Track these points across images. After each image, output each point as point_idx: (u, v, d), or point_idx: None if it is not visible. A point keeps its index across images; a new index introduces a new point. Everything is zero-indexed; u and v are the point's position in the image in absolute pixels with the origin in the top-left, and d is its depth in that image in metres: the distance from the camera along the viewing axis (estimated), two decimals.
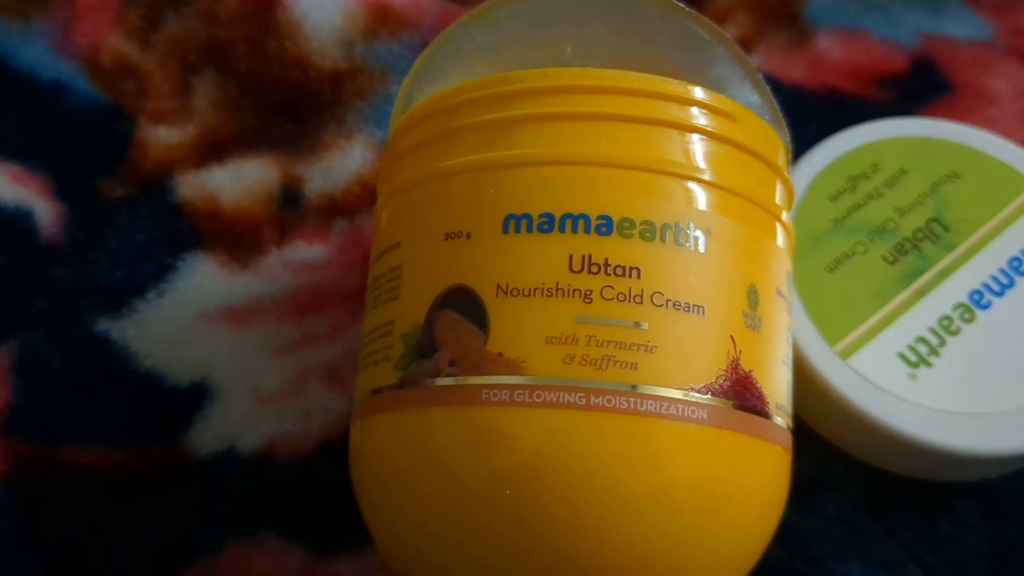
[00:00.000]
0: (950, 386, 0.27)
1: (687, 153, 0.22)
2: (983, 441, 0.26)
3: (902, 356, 0.27)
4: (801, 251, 0.29)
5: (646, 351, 0.20)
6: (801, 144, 0.31)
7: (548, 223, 0.21)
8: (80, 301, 0.29)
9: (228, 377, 0.28)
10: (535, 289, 0.20)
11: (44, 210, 0.30)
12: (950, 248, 0.29)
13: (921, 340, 0.28)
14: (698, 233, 0.21)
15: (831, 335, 0.28)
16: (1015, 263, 0.29)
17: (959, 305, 0.28)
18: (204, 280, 0.29)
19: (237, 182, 0.31)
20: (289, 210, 0.30)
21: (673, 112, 0.22)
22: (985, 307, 0.28)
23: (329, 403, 0.28)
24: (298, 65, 0.32)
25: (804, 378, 0.27)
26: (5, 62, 0.32)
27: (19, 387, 0.28)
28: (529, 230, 0.21)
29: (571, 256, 0.21)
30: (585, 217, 0.21)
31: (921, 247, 0.29)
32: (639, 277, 0.21)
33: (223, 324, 0.29)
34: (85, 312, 0.29)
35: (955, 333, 0.28)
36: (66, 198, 0.30)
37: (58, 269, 0.29)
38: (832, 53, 0.35)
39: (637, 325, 0.20)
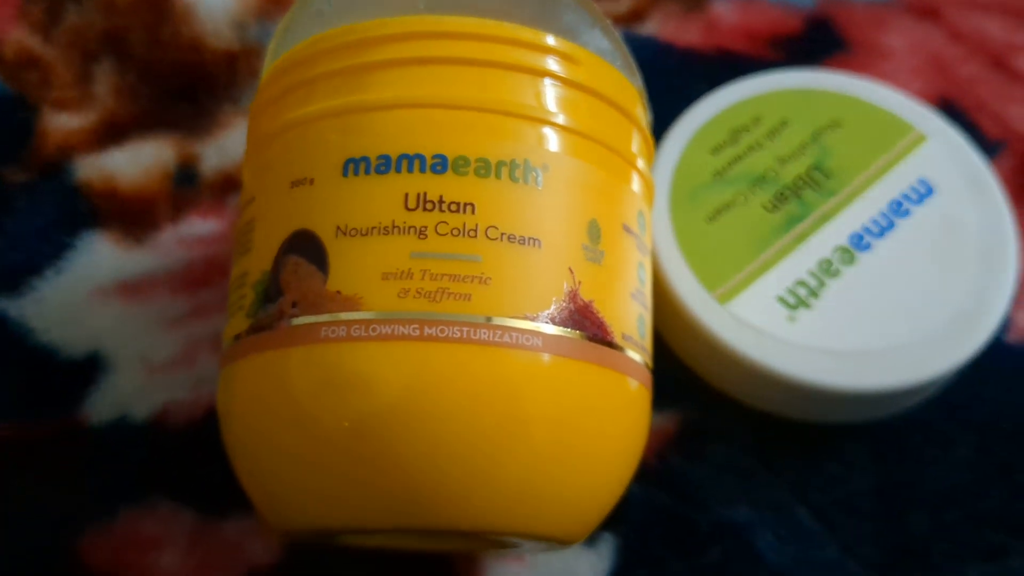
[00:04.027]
0: (830, 326, 0.27)
1: (523, 94, 0.22)
2: (862, 378, 0.27)
3: (781, 299, 0.28)
4: (681, 204, 0.29)
5: (480, 283, 0.21)
6: (691, 105, 0.31)
7: (385, 165, 0.21)
8: None
9: (121, 349, 0.29)
10: (372, 228, 0.21)
11: None
12: (831, 194, 0.29)
13: (801, 283, 0.28)
14: (535, 170, 0.22)
15: (709, 282, 0.28)
16: (896, 205, 0.29)
17: (839, 248, 0.28)
18: (100, 257, 0.30)
19: (134, 163, 0.31)
20: (184, 187, 0.31)
21: (505, 53, 0.22)
22: (865, 249, 0.28)
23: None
24: (193, 48, 0.32)
25: (684, 325, 0.28)
26: None
27: None
28: (367, 172, 0.21)
29: (406, 195, 0.21)
30: (420, 157, 0.21)
31: (802, 194, 0.29)
32: (473, 212, 0.21)
33: (117, 299, 0.29)
34: None
35: (835, 275, 0.28)
36: None
37: None
38: (727, 17, 0.36)
39: (471, 258, 0.21)
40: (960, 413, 0.29)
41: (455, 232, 0.21)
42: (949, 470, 0.28)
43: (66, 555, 0.27)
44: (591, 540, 0.27)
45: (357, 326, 0.20)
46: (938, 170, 0.29)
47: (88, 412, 0.28)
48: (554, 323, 0.21)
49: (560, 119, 0.22)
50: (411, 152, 0.21)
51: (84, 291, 0.29)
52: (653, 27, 0.35)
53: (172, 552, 0.27)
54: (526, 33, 0.22)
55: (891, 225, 0.29)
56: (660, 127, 0.29)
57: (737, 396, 0.29)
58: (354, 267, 0.21)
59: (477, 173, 0.21)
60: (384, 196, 0.21)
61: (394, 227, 0.21)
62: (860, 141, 0.30)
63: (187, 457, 0.28)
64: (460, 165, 0.21)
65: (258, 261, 0.22)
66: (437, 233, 0.21)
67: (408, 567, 0.27)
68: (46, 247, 0.30)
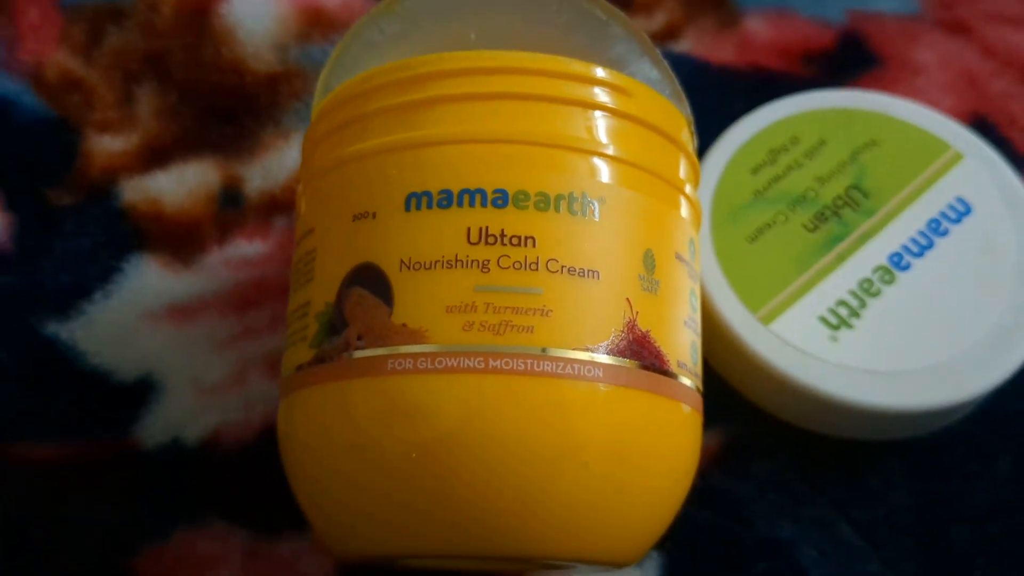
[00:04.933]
0: (871, 346, 0.28)
1: (579, 127, 0.22)
2: (904, 397, 0.27)
3: (823, 319, 0.28)
4: (722, 224, 0.29)
5: (542, 315, 0.21)
6: (727, 122, 0.32)
7: (447, 199, 0.22)
8: (28, 305, 0.30)
9: (172, 371, 0.29)
10: (435, 262, 0.21)
11: None
12: (870, 213, 0.30)
13: (842, 303, 0.28)
14: (592, 202, 0.22)
15: (752, 302, 0.28)
16: (934, 225, 0.29)
17: (879, 268, 0.29)
18: (148, 280, 0.30)
19: (179, 185, 0.32)
20: (230, 209, 0.31)
21: (562, 88, 0.23)
22: (905, 268, 0.29)
23: (271, 392, 0.29)
24: (234, 70, 0.33)
25: (727, 345, 0.28)
26: None
27: None
28: (429, 207, 0.22)
29: (468, 229, 0.21)
30: (481, 192, 0.22)
31: (841, 214, 0.30)
32: (534, 246, 0.21)
33: (166, 321, 0.30)
34: (33, 315, 0.30)
35: (875, 295, 0.28)
36: (16, 209, 0.31)
37: (6, 276, 0.30)
38: (760, 34, 0.36)
39: (533, 291, 0.21)
40: (1000, 428, 0.29)
41: (517, 265, 0.21)
42: (989, 484, 0.29)
43: (122, 575, 0.27)
44: None
45: (423, 359, 0.21)
46: (975, 189, 0.30)
47: (141, 435, 0.28)
48: (612, 354, 0.21)
49: (615, 151, 0.23)
50: (472, 187, 0.22)
51: (134, 314, 0.30)
52: (688, 45, 0.35)
53: (227, 571, 0.27)
54: (580, 67, 0.23)
55: (930, 244, 0.29)
56: (698, 144, 0.30)
57: (779, 415, 0.29)
58: (419, 300, 0.21)
59: (537, 207, 0.22)
60: (447, 230, 0.22)
61: (457, 261, 0.21)
62: (898, 161, 0.30)
63: (240, 477, 0.28)
64: (520, 199, 0.22)
65: (321, 292, 0.23)
66: (499, 266, 0.21)
67: None
68: (94, 270, 0.30)
